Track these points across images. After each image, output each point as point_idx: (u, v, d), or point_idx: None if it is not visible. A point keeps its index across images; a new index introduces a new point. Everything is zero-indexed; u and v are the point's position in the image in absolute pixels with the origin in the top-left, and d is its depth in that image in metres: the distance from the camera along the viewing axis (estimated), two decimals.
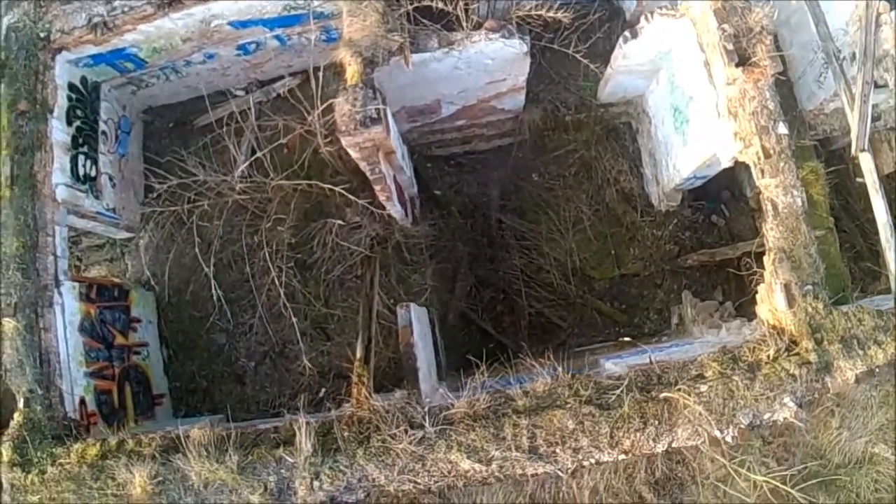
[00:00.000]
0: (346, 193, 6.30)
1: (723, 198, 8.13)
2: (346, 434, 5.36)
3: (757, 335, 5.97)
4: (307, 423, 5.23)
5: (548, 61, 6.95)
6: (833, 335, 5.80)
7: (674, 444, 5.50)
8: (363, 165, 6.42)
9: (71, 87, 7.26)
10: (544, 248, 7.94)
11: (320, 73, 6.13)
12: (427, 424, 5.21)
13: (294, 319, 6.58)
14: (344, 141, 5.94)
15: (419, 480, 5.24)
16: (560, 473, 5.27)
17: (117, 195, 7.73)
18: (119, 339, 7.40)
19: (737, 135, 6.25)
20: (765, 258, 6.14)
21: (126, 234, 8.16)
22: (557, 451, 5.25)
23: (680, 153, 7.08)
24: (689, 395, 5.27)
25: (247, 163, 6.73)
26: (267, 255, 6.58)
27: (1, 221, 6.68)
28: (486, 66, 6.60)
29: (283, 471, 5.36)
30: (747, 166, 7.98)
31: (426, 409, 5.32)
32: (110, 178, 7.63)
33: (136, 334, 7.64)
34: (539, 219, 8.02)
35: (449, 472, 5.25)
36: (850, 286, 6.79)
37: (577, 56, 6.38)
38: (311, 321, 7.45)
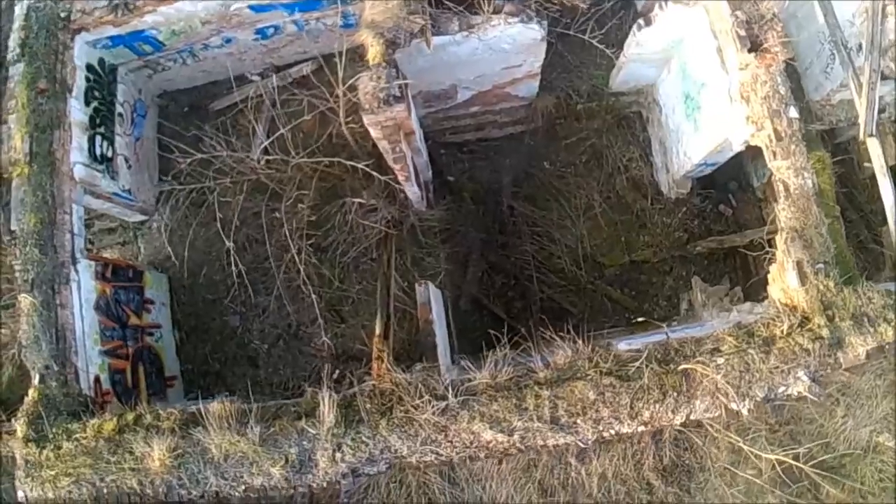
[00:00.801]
0: (369, 170, 6.30)
1: (730, 188, 8.24)
2: (368, 406, 5.34)
3: (770, 312, 6.01)
4: (330, 395, 5.18)
5: (562, 49, 7.00)
6: (844, 312, 5.88)
7: (692, 416, 5.55)
8: (383, 145, 6.45)
9: (89, 68, 7.27)
10: (555, 234, 8.00)
11: (343, 54, 6.07)
12: (450, 395, 5.20)
13: (314, 297, 6.56)
14: (366, 119, 5.98)
15: (441, 451, 5.25)
16: (580, 444, 5.26)
17: (133, 177, 7.72)
18: (133, 320, 7.36)
19: (749, 118, 6.34)
20: (777, 238, 6.21)
21: (140, 217, 8.14)
22: (578, 421, 5.28)
23: (691, 140, 7.17)
24: (708, 367, 5.29)
25: (269, 140, 6.72)
26: (287, 233, 6.54)
27: (20, 198, 6.61)
28: (503, 50, 6.67)
29: (304, 442, 5.35)
30: (754, 157, 8.15)
31: (449, 380, 5.32)
32: (126, 160, 7.62)
33: (149, 315, 7.61)
34: (550, 206, 8.08)
35: (471, 443, 5.26)
36: (857, 273, 6.85)
37: (594, 42, 6.45)
38: (326, 303, 7.43)
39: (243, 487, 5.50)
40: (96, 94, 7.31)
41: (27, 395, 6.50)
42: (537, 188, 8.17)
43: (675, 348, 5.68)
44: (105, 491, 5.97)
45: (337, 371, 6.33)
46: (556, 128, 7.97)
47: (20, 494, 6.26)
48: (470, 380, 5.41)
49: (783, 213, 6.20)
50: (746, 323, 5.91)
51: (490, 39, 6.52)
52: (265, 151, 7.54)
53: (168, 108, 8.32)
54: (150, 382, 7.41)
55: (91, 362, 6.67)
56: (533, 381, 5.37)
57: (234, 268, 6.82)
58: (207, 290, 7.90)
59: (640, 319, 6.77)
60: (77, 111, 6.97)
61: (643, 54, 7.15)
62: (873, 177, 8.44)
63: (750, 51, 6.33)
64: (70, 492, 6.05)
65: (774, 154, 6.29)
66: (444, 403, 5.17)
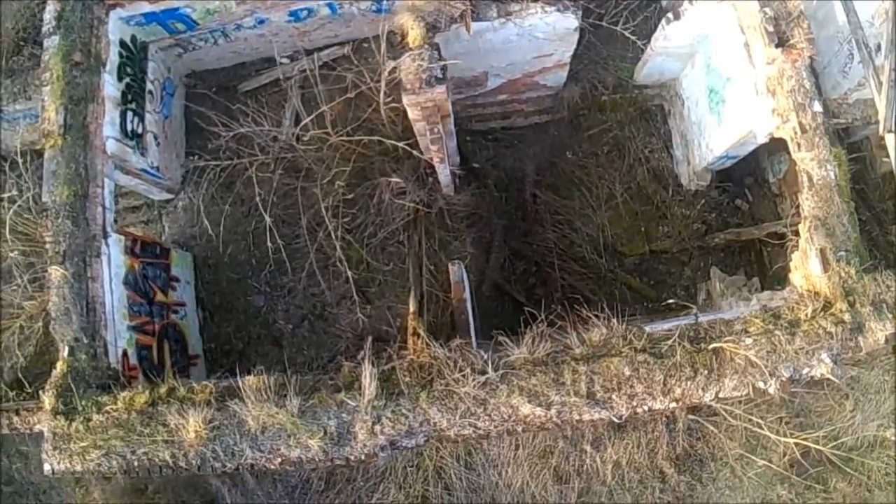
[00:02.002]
0: (410, 148, 6.28)
1: (746, 183, 8.36)
2: (407, 379, 5.33)
3: (793, 298, 6.10)
4: (371, 367, 5.16)
5: (594, 40, 7.05)
6: (864, 298, 6.02)
7: (720, 395, 5.62)
8: (420, 127, 6.48)
9: (122, 44, 7.24)
10: (577, 223, 8.08)
11: (384, 37, 6.09)
12: (490, 369, 5.20)
13: (349, 273, 6.51)
14: (407, 100, 6.00)
15: (480, 424, 5.26)
16: (615, 419, 5.30)
17: (161, 154, 7.66)
18: (159, 297, 7.29)
19: (775, 111, 6.45)
20: (800, 227, 6.31)
21: (165, 196, 8.07)
22: (613, 396, 5.33)
23: (714, 132, 7.28)
24: (738, 345, 5.36)
25: (307, 119, 6.66)
26: (322, 211, 6.51)
27: (52, 170, 6.52)
28: (537, 39, 6.74)
29: (343, 415, 5.33)
30: (770, 153, 8.27)
31: (488, 354, 5.32)
32: (155, 137, 7.57)
33: (174, 293, 7.54)
34: (572, 195, 8.15)
35: (509, 417, 5.27)
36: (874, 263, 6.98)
37: (627, 34, 6.52)
38: (352, 285, 7.38)
39: (279, 460, 5.46)
40: (128, 70, 7.25)
41: (54, 368, 6.38)
42: (560, 177, 8.23)
43: (706, 329, 5.76)
44: (136, 464, 5.87)
45: (362, 352, 6.27)
46: (579, 118, 8.06)
47: (46, 467, 6.16)
48: (507, 355, 5.41)
49: (807, 203, 6.31)
50: (772, 306, 5.98)
51: (525, 27, 6.57)
52: (291, 135, 7.50)
53: (195, 88, 8.25)
54: (175, 360, 7.34)
55: (120, 336, 6.60)
56: (570, 357, 5.40)
57: (269, 244, 6.73)
58: (232, 269, 7.84)
59: (670, 301, 6.84)
60: (110, 86, 6.92)
61: (669, 48, 7.24)
62: (885, 176, 8.65)
63: (777, 46, 6.45)
64: (99, 464, 5.96)
65: (799, 146, 6.40)
66: (484, 377, 5.16)
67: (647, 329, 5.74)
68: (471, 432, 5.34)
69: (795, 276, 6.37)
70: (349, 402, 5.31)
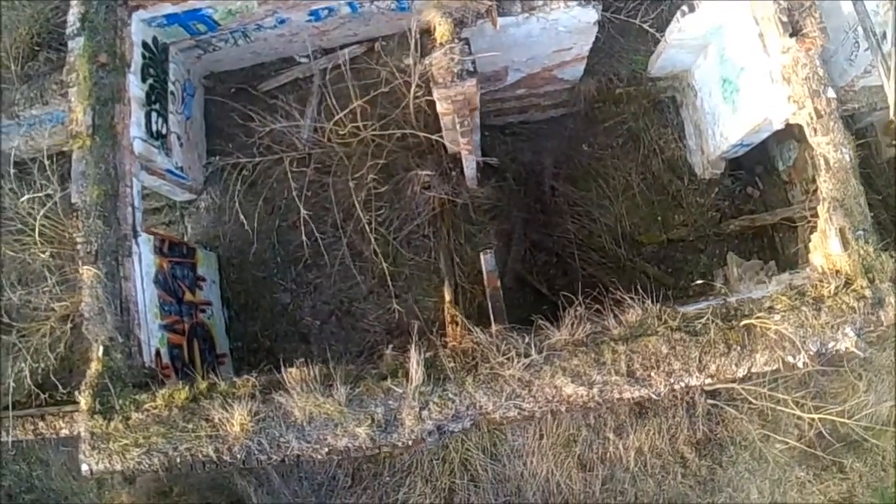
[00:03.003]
0: (443, 141, 6.34)
1: (756, 171, 8.54)
2: (451, 364, 5.37)
3: (814, 277, 6.25)
4: (418, 354, 5.21)
5: (613, 33, 7.18)
6: (883, 275, 6.21)
7: (752, 370, 5.74)
8: (447, 120, 6.59)
9: (144, 45, 7.26)
10: (595, 213, 8.21)
11: (413, 33, 6.17)
12: (533, 351, 5.27)
13: (385, 265, 6.57)
14: (438, 93, 6.08)
15: (525, 406, 5.34)
16: (653, 396, 5.38)
17: (184, 155, 7.68)
18: (188, 296, 7.28)
19: (790, 98, 6.63)
20: (819, 208, 6.47)
21: (188, 196, 8.06)
22: (652, 374, 5.44)
23: (729, 121, 7.45)
24: (768, 321, 5.48)
25: (340, 115, 6.71)
26: (357, 203, 6.55)
27: (80, 170, 6.49)
28: (558, 33, 6.85)
29: (390, 402, 5.37)
30: (779, 142, 8.46)
31: (529, 338, 5.38)
32: (178, 138, 7.58)
33: (201, 293, 7.54)
34: (590, 186, 8.29)
35: (553, 398, 5.36)
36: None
37: (646, 27, 6.66)
38: (379, 279, 7.43)
39: (326, 450, 5.47)
40: (151, 71, 7.26)
41: (88, 368, 6.33)
42: (577, 169, 8.36)
43: (735, 307, 5.88)
44: (178, 460, 5.84)
45: (390, 345, 6.31)
46: (594, 111, 8.21)
47: (84, 468, 6.11)
48: (548, 337, 5.48)
49: (825, 185, 6.48)
50: (797, 284, 6.12)
51: (548, 22, 6.68)
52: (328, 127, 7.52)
53: (215, 90, 8.24)
54: (204, 359, 7.29)
55: (152, 335, 6.59)
56: (608, 338, 5.49)
57: (304, 238, 6.75)
58: (257, 268, 7.85)
59: (698, 282, 7.00)
60: (135, 87, 6.94)
61: (683, 40, 7.41)
62: (889, 161, 8.89)
63: (791, 36, 6.60)
64: (139, 462, 5.92)
65: (815, 130, 6.58)
66: (528, 359, 5.22)
67: (680, 310, 5.84)
68: (515, 414, 5.41)
69: (815, 256, 6.53)
70: (396, 388, 5.35)
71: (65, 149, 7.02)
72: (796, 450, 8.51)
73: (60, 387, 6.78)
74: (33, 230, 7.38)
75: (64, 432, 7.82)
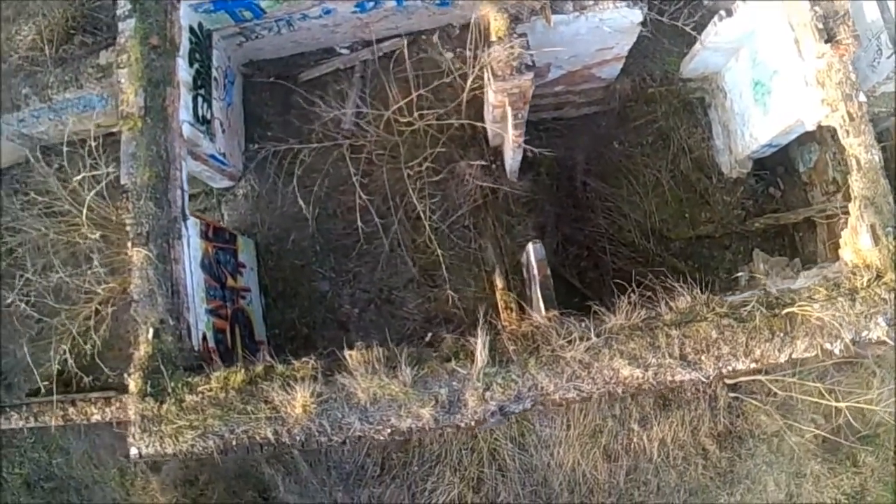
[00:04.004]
0: (498, 130, 6.46)
1: (777, 172, 8.84)
2: (513, 347, 5.48)
3: (846, 270, 6.51)
4: (483, 336, 5.31)
5: (656, 35, 7.40)
6: None
7: (793, 356, 5.98)
8: (499, 113, 6.71)
9: (191, 30, 7.18)
10: (625, 209, 8.39)
11: (475, 28, 6.31)
12: (592, 335, 5.41)
13: (441, 251, 6.66)
14: (496, 86, 6.23)
15: (584, 387, 5.49)
16: (703, 379, 5.57)
17: (226, 141, 7.65)
18: (230, 282, 7.30)
19: (824, 101, 6.93)
20: (850, 206, 6.75)
21: (227, 183, 8.06)
22: (703, 358, 5.65)
23: (759, 122, 7.74)
24: (811, 309, 5.71)
25: (401, 103, 6.81)
26: (410, 189, 6.62)
27: (131, 152, 6.46)
28: (602, 32, 7.04)
29: (454, 383, 5.48)
30: (800, 144, 8.77)
31: (587, 322, 5.52)
32: (221, 124, 7.55)
33: (242, 279, 7.55)
34: (620, 183, 8.50)
35: (610, 379, 5.52)
36: None
37: (688, 30, 6.89)
38: (420, 268, 7.51)
39: (389, 431, 5.54)
40: (197, 56, 7.28)
41: (137, 351, 6.28)
42: (608, 166, 8.58)
43: (776, 297, 6.09)
44: (234, 442, 5.83)
45: (430, 334, 6.40)
46: (627, 110, 8.42)
47: (133, 451, 6.08)
48: (604, 322, 5.63)
49: (856, 184, 6.77)
50: (831, 277, 6.38)
51: (595, 21, 6.86)
52: (357, 119, 7.60)
53: (253, 78, 8.25)
54: (244, 344, 7.27)
55: (199, 319, 6.53)
56: (662, 323, 5.66)
57: (359, 223, 6.80)
58: (295, 256, 7.88)
59: (739, 274, 7.22)
60: (183, 71, 6.96)
61: (718, 43, 7.69)
62: None
63: (826, 42, 6.89)
64: (193, 445, 5.90)
65: (847, 132, 6.87)
66: (590, 342, 5.36)
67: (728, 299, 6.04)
68: (574, 395, 5.56)
69: (845, 252, 6.82)
70: (460, 370, 5.45)
71: (88, 136, 6.95)
72: (812, 444, 8.82)
73: (105, 370, 6.66)
74: (59, 213, 7.34)
75: (95, 418, 7.68)
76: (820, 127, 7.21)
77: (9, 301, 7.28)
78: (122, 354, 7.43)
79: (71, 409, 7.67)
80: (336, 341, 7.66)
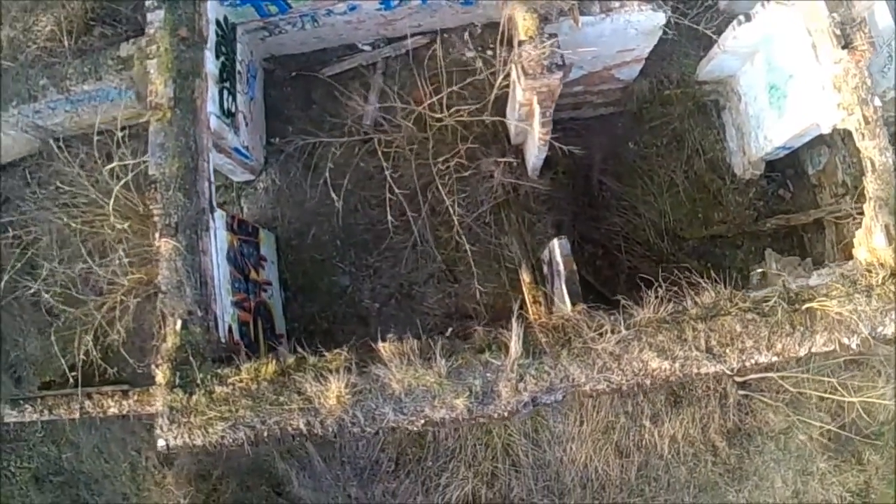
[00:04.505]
0: (528, 127, 6.58)
1: (787, 174, 9.06)
2: (545, 339, 5.59)
3: (861, 268, 6.72)
4: (518, 328, 5.42)
5: (678, 38, 7.56)
6: None
7: (812, 350, 6.16)
8: (525, 111, 6.82)
9: (217, 23, 7.21)
10: (640, 209, 8.54)
11: (506, 27, 6.43)
12: (622, 327, 5.53)
13: (468, 246, 6.76)
14: (526, 84, 6.37)
15: (614, 378, 5.62)
16: (727, 372, 5.72)
17: (249, 135, 7.68)
18: (253, 275, 7.35)
19: (840, 105, 7.15)
20: (865, 206, 6.96)
21: (248, 177, 8.11)
22: (727, 351, 5.83)
23: (774, 125, 7.96)
24: (830, 304, 5.89)
25: (434, 98, 6.91)
26: (439, 186, 6.71)
27: (159, 143, 6.49)
28: (625, 34, 7.20)
29: (488, 374, 5.57)
30: (810, 147, 9.00)
31: (616, 315, 5.65)
32: (244, 118, 7.57)
33: (264, 272, 7.56)
34: (635, 182, 8.67)
35: (639, 371, 5.63)
36: None
37: (709, 33, 7.07)
38: (441, 264, 7.60)
39: (422, 421, 5.62)
40: (223, 49, 7.33)
41: (164, 342, 6.30)
42: (623, 166, 8.75)
43: (796, 293, 6.27)
44: (265, 434, 5.87)
45: (450, 329, 6.49)
46: (642, 111, 8.58)
47: (161, 443, 6.09)
48: (632, 315, 5.75)
49: (871, 185, 7.01)
50: (848, 274, 6.58)
51: (619, 24, 7.02)
52: (378, 119, 7.69)
53: (274, 73, 8.30)
54: (266, 338, 7.30)
55: (226, 311, 6.55)
56: (688, 317, 5.81)
57: (389, 217, 6.87)
58: (315, 250, 7.94)
59: (760, 270, 7.43)
60: (211, 63, 6.97)
61: (735, 47, 7.87)
62: None
63: (843, 48, 7.11)
64: (223, 437, 5.92)
65: (863, 136, 7.10)
66: (621, 334, 5.49)
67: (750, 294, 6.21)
68: (605, 387, 5.69)
69: (860, 251, 7.05)
70: (494, 361, 5.54)
71: (109, 127, 6.98)
72: (819, 442, 9.03)
73: (131, 361, 6.67)
74: (73, 204, 7.34)
75: (112, 411, 7.65)
76: (830, 131, 7.43)
77: (31, 290, 7.23)
78: (136, 347, 7.46)
79: (87, 402, 7.64)
80: (356, 335, 7.78)
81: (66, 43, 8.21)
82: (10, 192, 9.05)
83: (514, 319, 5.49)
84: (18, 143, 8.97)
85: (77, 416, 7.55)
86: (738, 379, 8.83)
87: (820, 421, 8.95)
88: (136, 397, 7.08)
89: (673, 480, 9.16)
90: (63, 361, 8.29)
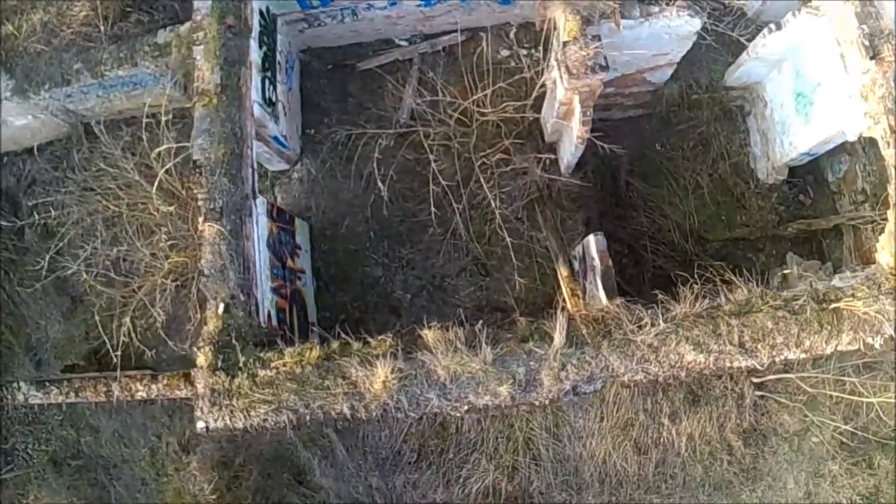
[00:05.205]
0: (577, 126, 6.79)
1: (807, 181, 9.36)
2: (586, 331, 5.79)
3: (886, 271, 6.98)
4: (562, 319, 5.61)
5: (714, 43, 7.81)
6: None
7: (838, 348, 6.40)
8: (565, 110, 7.01)
9: (260, 13, 7.36)
10: (666, 210, 8.78)
11: (548, 23, 6.63)
12: (660, 320, 5.74)
13: (508, 240, 6.95)
14: (569, 83, 6.57)
15: (651, 369, 5.86)
16: (758, 366, 5.95)
17: (287, 125, 7.84)
18: (289, 262, 7.46)
19: (867, 114, 7.43)
20: (889, 212, 7.23)
21: (283, 166, 8.26)
22: (759, 346, 6.10)
23: (800, 132, 8.27)
24: (856, 304, 6.15)
25: (479, 95, 7.08)
26: (483, 181, 6.91)
27: (204, 128, 6.63)
28: (661, 39, 7.45)
29: (531, 363, 5.74)
30: (830, 155, 9.29)
31: (655, 309, 5.86)
32: (283, 107, 7.73)
33: (298, 260, 7.70)
34: (661, 184, 8.92)
35: (676, 363, 5.86)
36: None
37: (742, 40, 7.32)
38: (473, 258, 7.79)
39: (466, 407, 5.80)
40: (265, 39, 7.49)
41: (206, 325, 6.43)
42: (649, 167, 9.00)
43: (824, 293, 6.53)
44: (308, 417, 6.02)
45: (480, 321, 6.67)
46: (670, 114, 8.81)
47: (200, 425, 6.22)
48: (669, 309, 5.96)
49: (895, 192, 7.22)
50: (872, 276, 6.85)
51: (656, 28, 7.26)
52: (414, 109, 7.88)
53: (311, 65, 8.46)
54: (300, 325, 7.45)
55: (265, 297, 6.70)
56: (722, 312, 6.03)
57: (432, 209, 7.05)
58: (349, 241, 8.11)
59: (782, 272, 7.69)
60: (254, 52, 7.11)
61: (764, 55, 8.14)
62: None
63: (871, 58, 7.40)
64: (265, 419, 6.06)
65: (888, 144, 7.40)
66: (660, 327, 5.70)
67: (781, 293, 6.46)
68: (642, 377, 5.91)
69: (882, 255, 7.33)
70: (537, 350, 5.73)
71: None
72: (831, 444, 9.29)
73: (169, 341, 6.79)
74: (96, 188, 7.48)
75: (140, 395, 7.75)
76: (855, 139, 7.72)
77: (71, 271, 7.33)
78: (165, 332, 7.56)
79: (114, 385, 7.74)
80: (388, 326, 7.94)
81: (101, 28, 8.32)
82: (38, 175, 9.16)
83: (558, 310, 5.68)
84: (47, 126, 9.07)
85: (103, 399, 7.67)
86: (756, 380, 9.08)
87: (833, 424, 9.22)
88: (165, 381, 7.22)
89: (689, 478, 9.39)
90: (69, 347, 8.42)
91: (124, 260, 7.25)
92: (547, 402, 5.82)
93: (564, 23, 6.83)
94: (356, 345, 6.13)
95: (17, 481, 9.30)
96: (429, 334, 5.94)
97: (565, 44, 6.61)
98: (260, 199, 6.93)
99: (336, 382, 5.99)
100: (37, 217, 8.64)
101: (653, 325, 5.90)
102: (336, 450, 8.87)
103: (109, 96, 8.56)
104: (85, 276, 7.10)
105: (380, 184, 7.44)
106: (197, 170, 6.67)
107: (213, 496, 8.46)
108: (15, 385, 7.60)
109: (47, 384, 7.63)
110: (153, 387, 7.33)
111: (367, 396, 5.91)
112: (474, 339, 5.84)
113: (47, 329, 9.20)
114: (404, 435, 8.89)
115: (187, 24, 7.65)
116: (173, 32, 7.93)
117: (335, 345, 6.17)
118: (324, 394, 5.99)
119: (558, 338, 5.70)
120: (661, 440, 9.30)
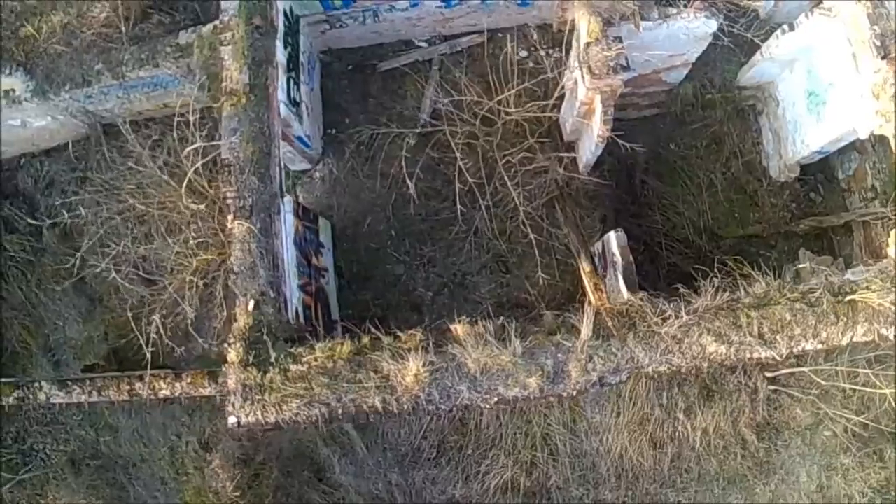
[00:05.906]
0: (592, 124, 7.01)
1: (818, 179, 9.62)
2: (610, 324, 6.01)
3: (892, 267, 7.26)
4: (589, 312, 5.82)
5: (730, 44, 8.05)
6: None
7: (854, 339, 6.63)
8: (585, 109, 7.25)
9: (284, 13, 7.56)
10: (680, 207, 9.03)
11: (569, 25, 6.85)
12: (683, 313, 5.97)
13: (532, 237, 7.17)
14: (590, 83, 6.81)
15: (674, 361, 6.10)
16: (777, 357, 6.18)
17: (310, 124, 8.04)
18: (314, 260, 7.65)
19: (878, 112, 7.69)
20: None
21: (305, 165, 8.47)
22: (778, 338, 6.34)
23: (812, 130, 8.54)
24: (871, 296, 6.40)
25: (504, 95, 7.30)
26: (508, 180, 7.14)
27: (232, 128, 6.82)
28: (678, 40, 7.69)
29: (559, 355, 5.96)
30: (840, 153, 9.56)
31: (677, 302, 6.08)
32: (306, 108, 7.93)
33: (322, 258, 7.88)
34: (676, 182, 9.18)
35: (698, 355, 6.09)
36: None
37: (756, 40, 7.58)
38: (493, 255, 8.01)
39: (495, 399, 6.00)
40: (289, 39, 7.71)
41: (236, 322, 6.61)
42: (664, 165, 9.24)
43: (839, 286, 6.79)
44: (340, 411, 6.21)
45: (501, 318, 6.88)
46: (685, 114, 9.07)
47: (232, 420, 6.40)
48: (690, 303, 6.20)
49: None
50: (884, 269, 7.12)
51: (674, 30, 7.51)
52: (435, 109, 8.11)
53: (332, 66, 8.67)
54: (325, 323, 7.64)
55: (293, 294, 6.89)
56: (742, 305, 6.27)
57: (458, 206, 7.27)
58: (371, 239, 8.31)
59: (796, 268, 7.96)
60: (280, 52, 7.31)
61: (777, 55, 8.42)
62: None
63: (882, 58, 7.68)
64: (297, 414, 6.25)
65: None
66: (682, 320, 5.93)
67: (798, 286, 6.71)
68: (665, 368, 6.13)
69: (893, 250, 7.58)
70: (565, 342, 5.95)
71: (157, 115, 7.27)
72: (843, 438, 9.55)
73: (198, 338, 6.96)
74: (137, 186, 7.65)
75: (163, 393, 7.92)
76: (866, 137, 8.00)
77: (99, 269, 7.50)
78: (185, 331, 7.73)
79: (138, 384, 7.91)
80: (410, 323, 8.15)
81: (122, 29, 8.50)
82: (56, 177, 9.32)
83: (585, 304, 5.89)
84: (66, 128, 9.24)
85: (126, 398, 7.83)
86: (769, 374, 9.33)
87: (845, 417, 9.47)
88: (188, 380, 7.40)
89: (704, 472, 9.62)
90: (86, 348, 8.55)
91: (149, 259, 7.42)
92: (574, 393, 6.04)
93: (587, 24, 7.08)
94: (387, 339, 6.33)
95: (35, 482, 9.43)
96: (458, 328, 6.15)
97: (588, 45, 6.85)
98: (287, 198, 7.14)
99: (368, 376, 6.18)
100: (65, 215, 8.78)
101: (676, 317, 6.13)
102: (356, 447, 9.06)
103: (129, 97, 8.74)
104: (114, 274, 7.26)
105: (408, 181, 7.61)
106: (225, 168, 6.87)
107: (236, 493, 8.62)
108: (36, 385, 7.77)
109: (69, 383, 7.79)
110: (177, 385, 7.52)
111: (398, 390, 6.11)
112: (503, 333, 6.05)
113: (65, 330, 9.36)
114: (424, 431, 9.09)
115: (209, 25, 7.88)
116: (195, 33, 8.13)
117: (365, 340, 6.37)
118: (356, 387, 6.19)
119: (585, 330, 5.92)
120: (677, 435, 9.53)
